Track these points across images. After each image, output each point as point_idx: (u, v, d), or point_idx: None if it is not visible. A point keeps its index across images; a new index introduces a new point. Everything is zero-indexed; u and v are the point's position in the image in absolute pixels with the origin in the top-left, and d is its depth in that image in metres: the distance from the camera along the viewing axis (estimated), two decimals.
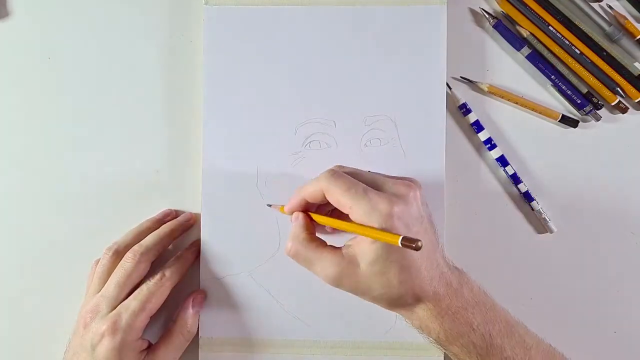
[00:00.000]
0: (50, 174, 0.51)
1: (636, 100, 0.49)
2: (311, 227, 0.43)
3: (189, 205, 0.50)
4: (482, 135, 0.49)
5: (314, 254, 0.41)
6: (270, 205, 0.48)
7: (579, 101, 0.49)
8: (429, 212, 0.42)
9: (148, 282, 0.46)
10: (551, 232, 0.49)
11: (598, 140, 0.50)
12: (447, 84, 0.49)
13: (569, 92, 0.49)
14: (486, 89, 0.49)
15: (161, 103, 0.51)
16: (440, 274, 0.41)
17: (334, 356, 0.48)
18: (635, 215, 0.49)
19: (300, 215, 0.43)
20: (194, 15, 0.50)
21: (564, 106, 0.50)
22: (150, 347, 0.46)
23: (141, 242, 0.47)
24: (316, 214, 0.43)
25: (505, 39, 0.49)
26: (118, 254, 0.47)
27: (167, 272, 0.46)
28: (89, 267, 0.49)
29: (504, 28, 0.49)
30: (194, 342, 0.48)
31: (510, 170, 0.49)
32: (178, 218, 0.50)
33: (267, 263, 0.49)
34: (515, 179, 0.49)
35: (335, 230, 0.46)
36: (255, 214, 0.49)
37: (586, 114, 0.49)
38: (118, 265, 0.46)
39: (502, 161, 0.49)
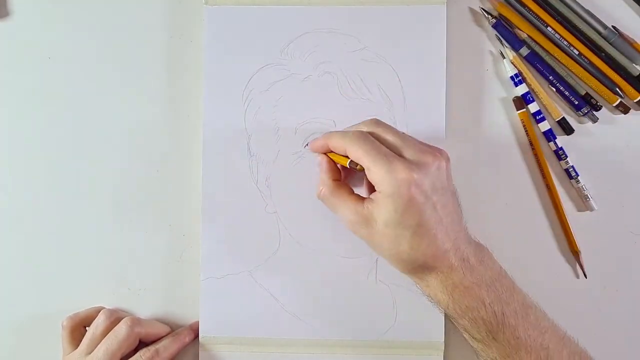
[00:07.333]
0: (50, 174, 0.51)
1: (635, 101, 0.49)
2: (336, 172, 0.45)
3: (189, 204, 0.50)
4: (532, 107, 0.49)
5: (338, 200, 0.43)
6: (306, 145, 0.48)
7: (576, 102, 0.49)
8: (453, 186, 0.43)
9: (139, 358, 0.46)
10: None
11: (598, 140, 0.50)
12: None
13: (566, 94, 0.49)
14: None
15: (161, 103, 0.51)
16: (457, 247, 0.41)
17: (334, 356, 0.48)
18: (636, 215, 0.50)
19: (324, 160, 0.45)
20: (194, 15, 0.50)
21: (562, 107, 0.50)
22: None
23: (139, 317, 0.49)
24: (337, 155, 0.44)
25: (505, 39, 0.49)
26: (115, 321, 0.47)
27: (161, 349, 0.47)
28: (88, 271, 0.50)
29: (503, 28, 0.49)
30: (194, 342, 0.49)
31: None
32: (184, 330, 0.49)
33: (267, 263, 0.49)
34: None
35: (347, 177, 0.46)
36: (255, 213, 0.49)
37: (583, 116, 0.49)
38: (111, 332, 0.46)
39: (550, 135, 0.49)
